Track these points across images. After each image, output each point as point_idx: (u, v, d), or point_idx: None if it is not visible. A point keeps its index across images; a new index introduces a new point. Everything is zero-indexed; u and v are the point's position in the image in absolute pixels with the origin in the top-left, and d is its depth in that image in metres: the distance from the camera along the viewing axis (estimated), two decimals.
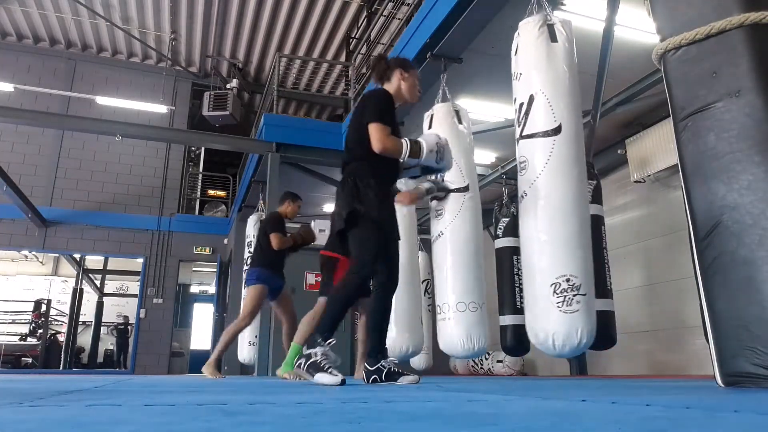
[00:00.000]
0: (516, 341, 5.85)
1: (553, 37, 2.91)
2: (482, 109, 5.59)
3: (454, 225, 3.68)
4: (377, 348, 2.60)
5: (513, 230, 6.24)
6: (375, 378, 2.53)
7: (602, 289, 4.44)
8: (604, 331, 4.43)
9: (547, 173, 2.78)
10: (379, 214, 2.52)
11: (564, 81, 2.88)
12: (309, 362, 2.31)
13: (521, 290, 5.99)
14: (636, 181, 5.76)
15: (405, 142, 2.57)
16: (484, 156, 6.58)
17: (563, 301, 2.66)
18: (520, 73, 2.99)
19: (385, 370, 2.52)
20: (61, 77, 10.41)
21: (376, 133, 2.51)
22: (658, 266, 5.73)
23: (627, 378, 4.60)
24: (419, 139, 2.64)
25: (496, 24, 4.09)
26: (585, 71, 4.21)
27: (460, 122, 3.85)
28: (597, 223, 4.64)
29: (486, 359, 7.41)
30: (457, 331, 3.59)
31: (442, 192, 3.08)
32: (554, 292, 2.67)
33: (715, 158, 1.75)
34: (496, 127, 5.53)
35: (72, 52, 10.61)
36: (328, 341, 2.36)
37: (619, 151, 5.95)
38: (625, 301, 5.44)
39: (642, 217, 6.07)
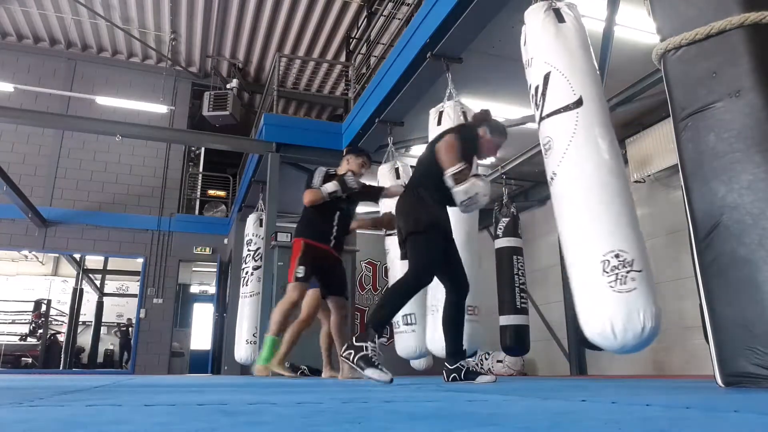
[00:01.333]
0: (516, 341, 5.85)
1: (560, 19, 2.83)
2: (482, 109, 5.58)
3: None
4: (456, 349, 2.77)
5: (513, 230, 6.24)
6: (454, 377, 2.70)
7: None
8: None
9: (574, 147, 2.57)
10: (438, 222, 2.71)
11: (578, 56, 2.75)
12: (360, 355, 2.36)
13: (522, 290, 6.01)
14: (636, 181, 5.75)
15: (463, 184, 2.66)
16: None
17: (615, 280, 2.31)
18: (531, 58, 2.87)
19: (464, 370, 2.69)
20: (61, 77, 10.40)
21: (448, 159, 2.71)
22: (658, 266, 5.70)
23: (627, 378, 4.60)
24: (471, 179, 2.70)
25: (496, 24, 4.09)
26: None
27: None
28: None
29: (486, 359, 7.41)
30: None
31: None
32: (603, 270, 2.34)
33: (715, 158, 1.75)
34: None
35: (72, 52, 10.61)
36: (380, 336, 2.44)
37: None
38: None
39: (642, 217, 6.02)
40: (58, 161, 10.04)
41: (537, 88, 2.80)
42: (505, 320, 5.87)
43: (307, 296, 4.36)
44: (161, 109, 9.89)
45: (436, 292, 3.55)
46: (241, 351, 6.94)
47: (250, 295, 6.95)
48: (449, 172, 2.63)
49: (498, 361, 7.24)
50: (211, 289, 12.62)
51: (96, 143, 9.98)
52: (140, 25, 9.95)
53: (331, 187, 3.58)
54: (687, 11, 1.91)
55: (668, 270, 5.50)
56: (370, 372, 2.31)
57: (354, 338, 2.44)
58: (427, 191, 2.77)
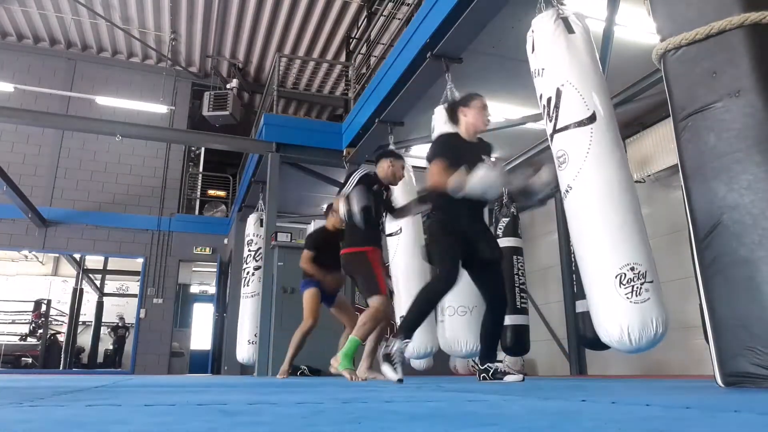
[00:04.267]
0: (516, 341, 5.85)
1: (570, 29, 2.88)
2: None
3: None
4: (492, 352, 2.97)
5: (513, 230, 6.24)
6: (484, 377, 2.91)
7: None
8: None
9: (590, 163, 2.69)
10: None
11: (589, 69, 2.83)
12: (385, 352, 2.60)
13: (522, 290, 6.00)
14: (636, 181, 5.75)
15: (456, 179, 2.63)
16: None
17: (631, 291, 2.52)
18: (542, 69, 2.94)
19: (493, 370, 2.89)
20: (61, 77, 10.40)
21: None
22: (658, 266, 5.70)
23: (627, 378, 4.60)
24: (472, 177, 2.63)
25: (496, 24, 4.08)
26: None
27: None
28: None
29: None
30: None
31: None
32: (620, 283, 2.54)
33: (715, 158, 1.75)
34: (497, 127, 5.52)
35: (72, 52, 10.61)
36: (406, 340, 2.61)
37: None
38: None
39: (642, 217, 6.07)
40: (58, 161, 10.04)
41: (549, 100, 2.88)
42: (506, 320, 5.86)
43: (310, 299, 4.37)
44: (161, 109, 9.89)
45: (455, 294, 3.56)
46: (243, 351, 6.94)
47: (251, 296, 6.95)
48: (450, 191, 2.66)
49: (498, 361, 7.24)
50: (211, 289, 12.62)
51: (96, 143, 9.98)
52: (140, 25, 9.95)
53: (342, 209, 3.40)
54: (687, 11, 1.90)
55: (668, 270, 5.49)
56: (384, 368, 2.54)
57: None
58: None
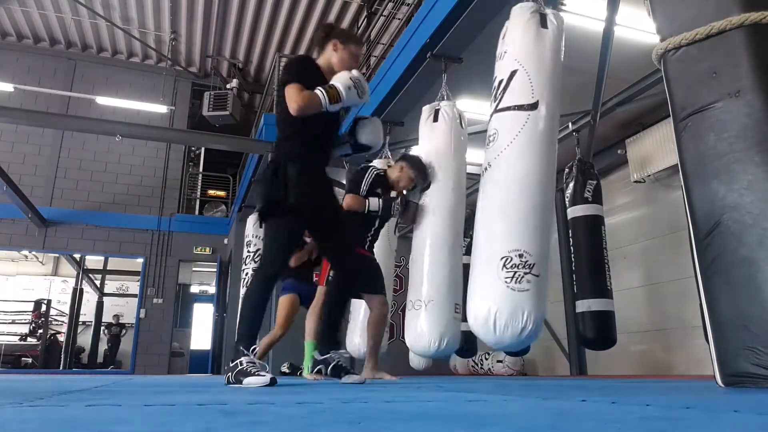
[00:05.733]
0: None
1: (543, 24, 2.87)
2: (482, 109, 5.58)
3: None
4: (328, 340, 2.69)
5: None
6: (320, 369, 2.64)
7: (602, 289, 4.44)
8: (604, 331, 4.43)
9: (515, 146, 2.68)
10: (302, 201, 2.34)
11: (548, 63, 2.81)
12: (236, 371, 2.20)
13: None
14: (636, 181, 5.75)
15: (320, 91, 2.30)
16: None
17: (512, 277, 2.45)
18: (504, 52, 2.93)
19: (333, 364, 2.59)
20: (61, 77, 10.41)
21: (290, 95, 2.27)
22: (658, 266, 5.73)
23: (627, 378, 4.60)
24: (331, 81, 2.38)
25: (496, 24, 4.07)
26: (585, 71, 4.22)
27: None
28: (597, 223, 4.63)
29: (486, 359, 7.41)
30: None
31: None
32: (504, 266, 2.46)
33: (715, 158, 1.75)
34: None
35: (72, 52, 10.61)
36: (252, 348, 2.25)
37: (619, 151, 5.94)
38: (625, 301, 5.43)
39: (642, 217, 6.07)
40: (58, 161, 10.04)
41: (501, 81, 2.86)
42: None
43: (288, 307, 4.31)
44: (161, 109, 9.89)
45: (420, 288, 3.51)
46: None
47: None
48: (324, 105, 2.27)
49: (498, 361, 7.24)
50: (211, 289, 12.62)
51: (96, 143, 9.98)
52: (140, 25, 9.95)
53: (374, 205, 3.40)
54: (687, 11, 1.91)
55: (668, 270, 5.50)
56: (247, 381, 2.16)
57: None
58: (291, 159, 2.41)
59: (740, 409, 1.02)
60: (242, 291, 7.13)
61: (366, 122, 2.67)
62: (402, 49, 4.95)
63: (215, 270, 10.90)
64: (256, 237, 7.05)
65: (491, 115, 2.88)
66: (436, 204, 3.63)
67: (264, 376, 2.13)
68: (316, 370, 2.56)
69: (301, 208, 2.35)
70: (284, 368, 4.94)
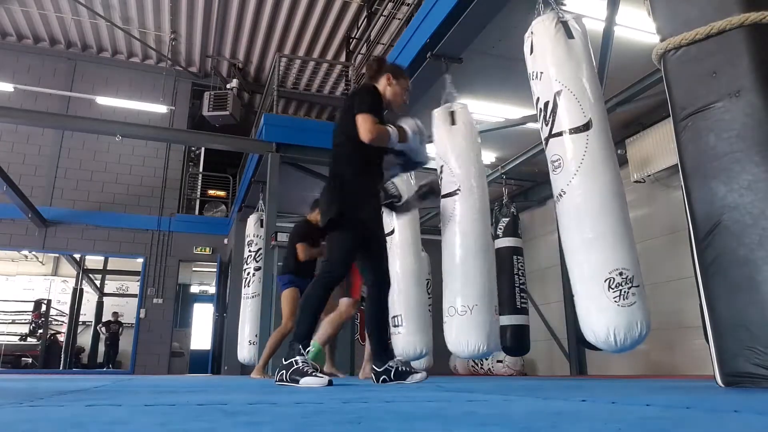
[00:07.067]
0: (516, 341, 5.85)
1: (569, 34, 2.91)
2: (482, 109, 5.58)
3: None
4: (381, 349, 2.62)
5: (513, 230, 6.24)
6: (384, 378, 2.54)
7: None
8: None
9: (584, 169, 2.75)
10: (362, 214, 2.57)
11: (587, 76, 2.88)
12: (291, 370, 2.28)
13: (522, 290, 6.01)
14: (636, 181, 5.75)
15: (391, 127, 2.58)
16: (484, 156, 6.57)
17: (620, 295, 2.61)
18: (540, 72, 2.96)
19: (393, 370, 2.54)
20: (61, 77, 10.40)
21: (364, 124, 2.51)
22: (658, 266, 5.73)
23: (627, 378, 4.60)
24: (400, 123, 2.67)
25: (496, 24, 4.09)
26: None
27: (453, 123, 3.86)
28: None
29: (486, 359, 7.41)
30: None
31: (428, 196, 3.09)
32: (609, 287, 2.62)
33: (715, 158, 1.75)
34: (496, 127, 5.52)
35: (72, 52, 10.61)
36: (307, 349, 2.36)
37: (619, 151, 5.94)
38: None
39: (642, 217, 6.07)
40: (58, 161, 10.04)
41: (546, 104, 2.91)
42: (505, 320, 5.86)
43: (291, 300, 4.37)
44: (161, 109, 9.89)
45: (461, 293, 3.56)
46: (244, 352, 6.95)
47: (252, 296, 6.95)
48: (392, 142, 2.54)
49: (498, 361, 7.24)
50: (211, 289, 12.62)
51: (96, 143, 9.98)
52: (140, 25, 9.95)
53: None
54: (687, 11, 1.90)
55: (668, 270, 5.50)
56: (304, 380, 2.22)
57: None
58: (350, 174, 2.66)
59: (740, 409, 1.02)
60: (244, 290, 7.14)
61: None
62: (402, 49, 4.95)
63: (215, 270, 10.91)
64: (257, 237, 7.06)
65: (546, 140, 2.93)
66: (466, 209, 3.67)
67: (322, 377, 2.20)
68: (381, 380, 2.56)
69: (366, 221, 2.60)
70: None
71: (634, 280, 2.64)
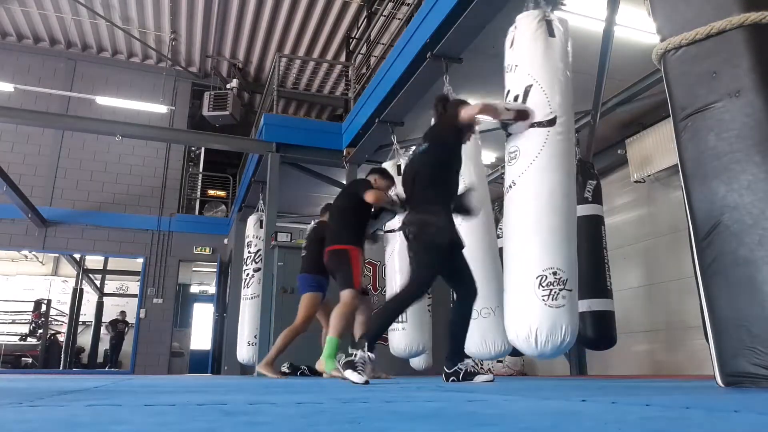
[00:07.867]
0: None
1: (551, 33, 2.91)
2: None
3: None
4: (455, 353, 2.80)
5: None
6: (453, 379, 2.74)
7: (602, 289, 4.43)
8: (604, 331, 4.42)
9: (538, 164, 2.74)
10: (456, 241, 2.78)
11: (560, 76, 2.86)
12: (347, 360, 2.48)
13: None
14: (636, 181, 5.75)
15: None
16: (484, 156, 6.57)
17: (549, 295, 2.55)
18: (516, 65, 2.96)
19: (462, 372, 2.73)
20: (61, 77, 10.40)
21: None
22: (658, 266, 5.73)
23: (627, 378, 4.60)
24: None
25: (496, 24, 4.08)
26: (585, 71, 4.21)
27: None
28: (597, 223, 4.62)
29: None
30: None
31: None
32: (540, 284, 2.57)
33: (715, 158, 1.75)
34: (497, 127, 5.51)
35: (72, 52, 10.61)
36: (369, 352, 2.53)
37: (619, 151, 5.95)
38: (625, 301, 5.43)
39: (642, 217, 6.07)
40: (58, 161, 10.04)
41: (516, 97, 2.91)
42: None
43: (312, 305, 4.34)
44: (161, 109, 9.89)
45: (487, 295, 3.53)
46: (243, 352, 6.95)
47: (252, 297, 6.95)
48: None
49: (498, 361, 7.23)
50: (211, 289, 12.62)
51: (96, 143, 9.98)
52: (140, 25, 9.94)
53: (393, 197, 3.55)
54: (687, 11, 1.91)
55: (668, 270, 5.50)
56: (348, 372, 2.42)
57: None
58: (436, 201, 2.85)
59: (740, 409, 1.02)
60: (243, 291, 7.13)
61: (472, 193, 3.07)
62: (402, 49, 4.95)
63: (215, 270, 10.91)
64: (257, 237, 7.05)
65: (508, 132, 2.93)
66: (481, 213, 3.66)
67: (364, 376, 2.37)
68: (450, 380, 2.73)
69: (453, 245, 2.79)
70: (284, 368, 4.95)
71: (568, 283, 2.59)
